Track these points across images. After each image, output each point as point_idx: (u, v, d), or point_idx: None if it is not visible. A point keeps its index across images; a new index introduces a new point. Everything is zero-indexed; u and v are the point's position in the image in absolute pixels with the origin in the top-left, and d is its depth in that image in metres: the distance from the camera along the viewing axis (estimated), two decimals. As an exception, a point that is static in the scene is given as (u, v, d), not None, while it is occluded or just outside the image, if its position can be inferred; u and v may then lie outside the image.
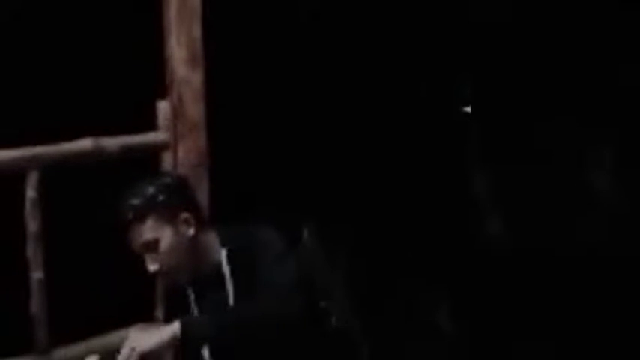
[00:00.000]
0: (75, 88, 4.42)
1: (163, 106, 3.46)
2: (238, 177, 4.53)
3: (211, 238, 2.61)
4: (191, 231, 2.56)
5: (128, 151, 3.36)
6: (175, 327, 2.37)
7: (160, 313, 3.46)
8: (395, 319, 4.72)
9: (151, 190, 2.55)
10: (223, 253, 2.58)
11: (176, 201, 2.56)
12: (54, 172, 3.15)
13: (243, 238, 2.57)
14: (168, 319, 2.57)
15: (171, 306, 2.74)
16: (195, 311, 2.61)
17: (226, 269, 2.58)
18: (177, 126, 3.46)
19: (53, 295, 3.13)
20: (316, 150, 5.01)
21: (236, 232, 2.61)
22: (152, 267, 2.54)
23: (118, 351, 2.39)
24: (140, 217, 2.51)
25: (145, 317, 3.43)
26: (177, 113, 3.45)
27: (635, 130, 5.34)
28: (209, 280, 2.58)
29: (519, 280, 5.14)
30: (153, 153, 3.47)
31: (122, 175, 3.67)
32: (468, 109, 5.71)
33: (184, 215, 2.55)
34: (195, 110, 3.49)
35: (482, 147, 5.66)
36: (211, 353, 2.59)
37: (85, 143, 3.21)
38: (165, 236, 2.52)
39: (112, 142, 3.29)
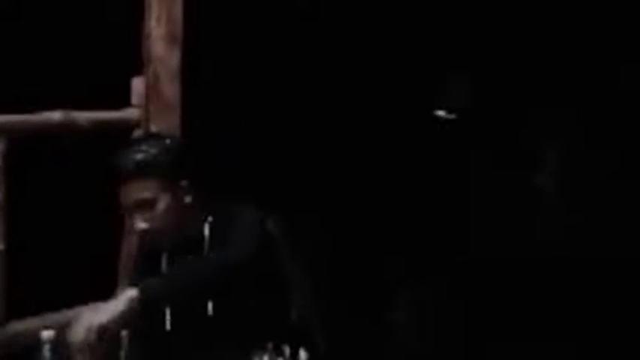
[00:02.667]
0: (52, 61, 4.37)
1: (138, 83, 3.41)
2: (207, 160, 4.49)
3: (198, 209, 2.61)
4: (187, 198, 2.57)
5: (99, 126, 3.32)
6: (131, 292, 2.32)
7: (124, 284, 3.43)
8: (354, 315, 4.71)
9: (157, 149, 2.55)
10: (207, 225, 2.59)
11: (180, 166, 2.57)
12: (23, 142, 3.11)
13: (227, 214, 2.58)
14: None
15: (141, 272, 2.69)
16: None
17: (207, 241, 2.58)
18: (150, 104, 3.42)
19: (12, 268, 3.09)
20: (290, 138, 4.98)
21: (221, 207, 2.62)
22: (141, 225, 2.53)
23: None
24: (144, 174, 2.51)
25: (105, 295, 3.39)
26: (151, 91, 3.41)
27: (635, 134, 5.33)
28: (187, 249, 2.56)
29: (487, 284, 5.14)
30: (124, 130, 3.43)
31: (92, 151, 3.65)
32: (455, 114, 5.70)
33: (184, 182, 2.57)
34: (170, 90, 3.46)
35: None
36: (172, 316, 2.56)
37: (55, 115, 3.17)
38: (164, 198, 2.52)
39: (82, 116, 3.25)
